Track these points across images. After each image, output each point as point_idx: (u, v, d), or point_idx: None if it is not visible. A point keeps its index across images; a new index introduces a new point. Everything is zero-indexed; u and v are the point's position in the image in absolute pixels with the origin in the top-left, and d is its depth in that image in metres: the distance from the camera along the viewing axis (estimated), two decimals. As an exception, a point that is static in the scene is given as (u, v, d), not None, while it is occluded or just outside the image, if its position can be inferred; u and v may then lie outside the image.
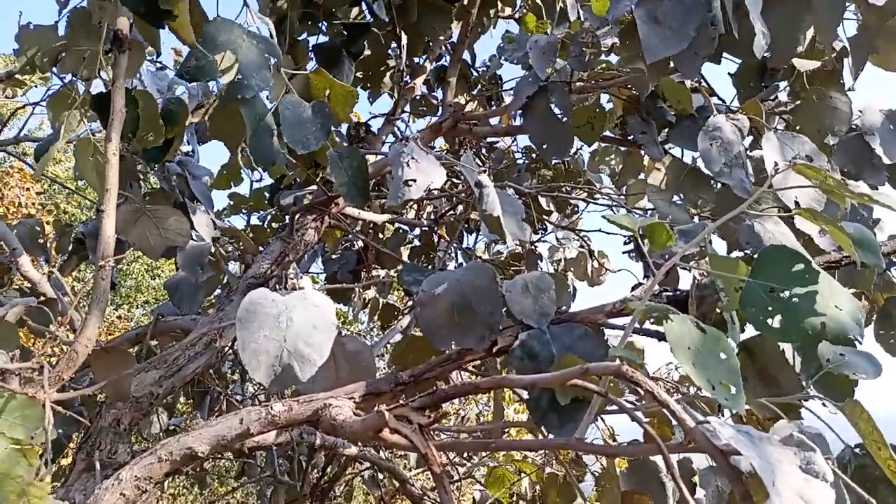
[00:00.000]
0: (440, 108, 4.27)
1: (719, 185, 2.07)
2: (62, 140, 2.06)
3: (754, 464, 0.74)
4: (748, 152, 1.94)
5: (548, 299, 1.47)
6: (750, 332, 1.28)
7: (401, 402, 1.19)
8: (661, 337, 1.52)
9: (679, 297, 1.51)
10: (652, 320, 1.54)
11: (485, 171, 1.52)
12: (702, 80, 2.32)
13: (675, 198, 2.18)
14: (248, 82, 1.67)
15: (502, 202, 1.50)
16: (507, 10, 3.51)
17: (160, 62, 3.15)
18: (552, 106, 2.15)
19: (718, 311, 1.38)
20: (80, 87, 2.09)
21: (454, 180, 3.61)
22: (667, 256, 1.21)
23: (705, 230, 1.20)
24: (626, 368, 0.94)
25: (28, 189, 8.36)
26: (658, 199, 2.03)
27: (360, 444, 2.35)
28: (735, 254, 1.83)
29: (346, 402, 1.28)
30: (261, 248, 2.89)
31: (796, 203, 1.61)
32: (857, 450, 1.16)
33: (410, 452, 2.83)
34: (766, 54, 1.76)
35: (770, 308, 1.08)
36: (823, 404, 1.10)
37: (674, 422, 1.06)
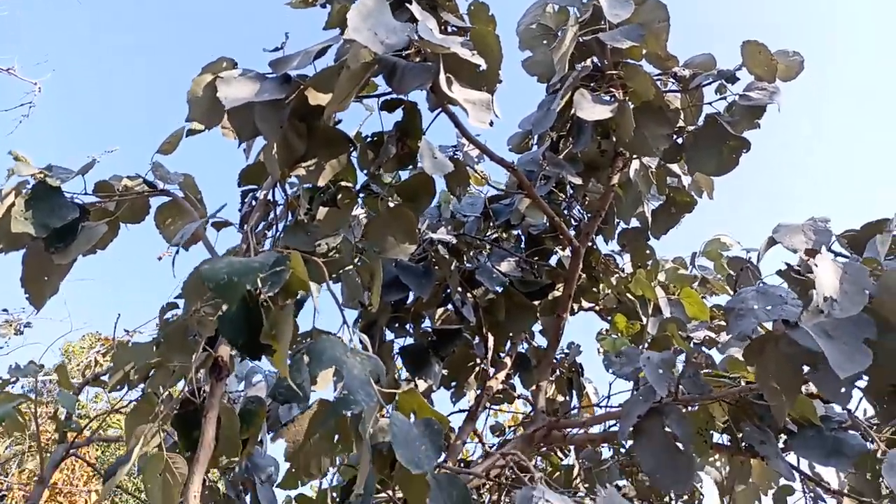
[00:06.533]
0: (517, 398, 4.10)
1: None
2: (134, 458, 1.90)
3: None
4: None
5: None
6: None
7: None
8: None
9: None
10: None
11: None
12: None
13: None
14: (354, 398, 1.53)
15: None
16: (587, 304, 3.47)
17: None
18: (667, 429, 1.92)
19: None
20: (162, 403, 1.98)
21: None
22: None
23: None
24: None
25: (91, 492, 8.04)
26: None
27: None
28: None
29: None
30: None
31: None
32: None
33: None
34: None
35: None
36: None
37: None
